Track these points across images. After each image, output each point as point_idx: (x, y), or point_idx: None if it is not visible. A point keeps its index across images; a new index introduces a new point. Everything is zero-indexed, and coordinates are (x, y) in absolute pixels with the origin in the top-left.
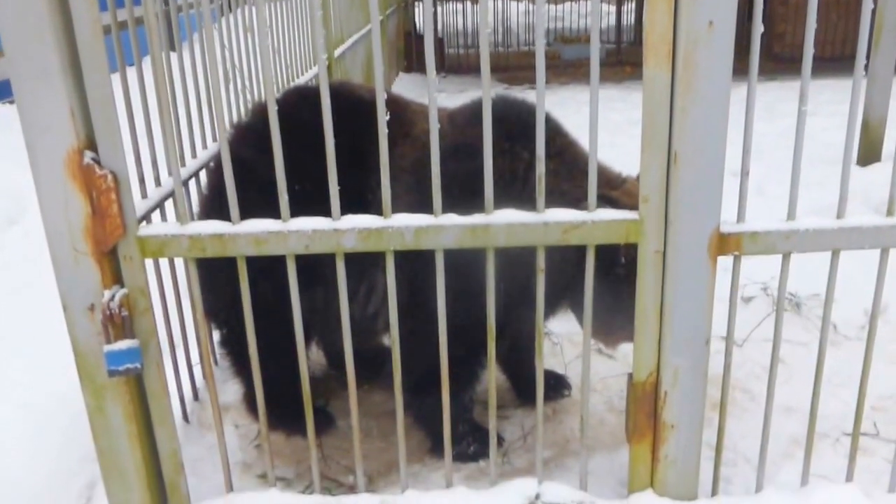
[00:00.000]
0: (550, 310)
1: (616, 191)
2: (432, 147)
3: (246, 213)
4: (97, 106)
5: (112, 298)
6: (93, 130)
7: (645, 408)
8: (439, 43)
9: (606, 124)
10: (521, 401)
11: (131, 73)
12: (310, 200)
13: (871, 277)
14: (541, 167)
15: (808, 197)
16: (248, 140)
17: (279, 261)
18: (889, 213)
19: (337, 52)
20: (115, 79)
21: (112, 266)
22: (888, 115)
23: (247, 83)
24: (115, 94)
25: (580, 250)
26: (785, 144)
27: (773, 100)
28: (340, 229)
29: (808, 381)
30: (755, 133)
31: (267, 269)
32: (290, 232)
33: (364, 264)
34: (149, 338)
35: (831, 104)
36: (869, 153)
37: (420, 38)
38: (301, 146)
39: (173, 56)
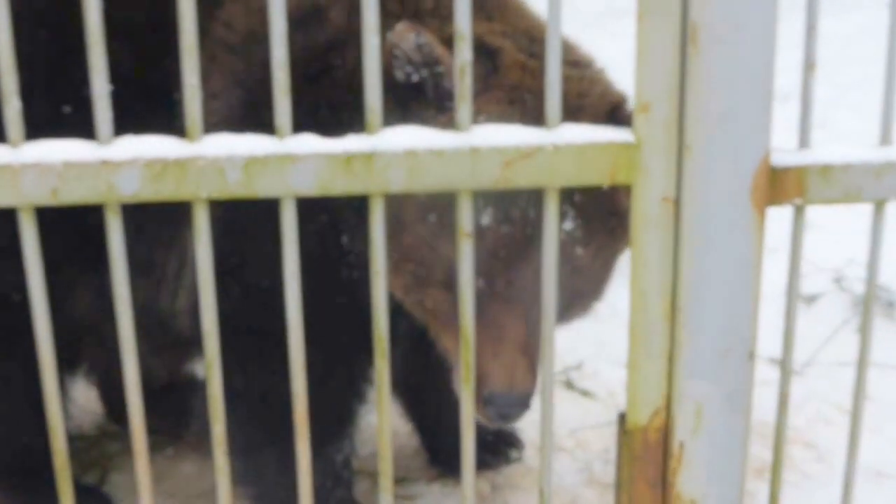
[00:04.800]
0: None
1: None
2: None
3: None
4: None
5: None
6: None
7: (647, 471)
8: None
9: (575, 16)
10: (437, 468)
11: None
12: (86, 122)
13: None
14: (465, 52)
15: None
16: None
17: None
18: None
19: None
20: None
21: None
22: None
23: None
24: None
25: None
26: (861, 54)
27: None
28: (112, 161)
29: None
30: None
31: (4, 252)
32: (23, 166)
33: (175, 220)
34: None
35: None
36: None
37: None
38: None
39: None
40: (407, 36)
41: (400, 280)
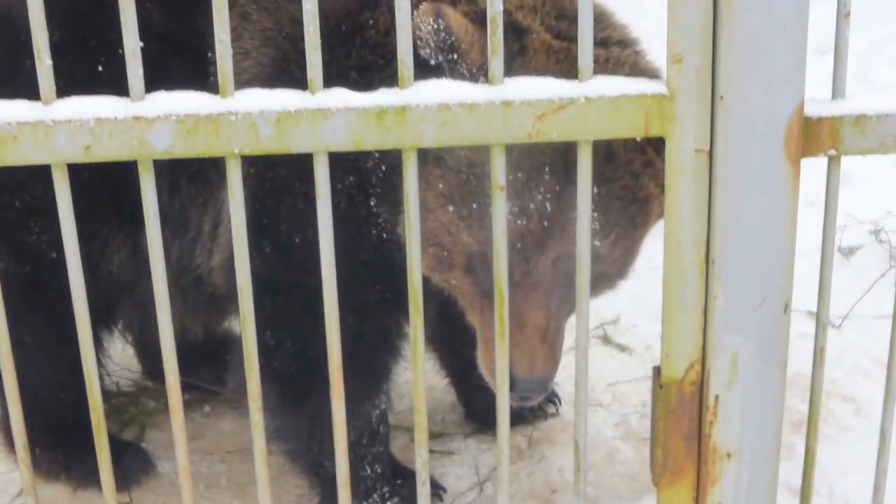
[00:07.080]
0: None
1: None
2: None
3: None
4: None
5: None
6: None
7: (682, 424)
8: None
9: None
10: (472, 423)
11: None
12: (117, 82)
13: None
14: (497, 5)
15: None
16: None
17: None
18: None
19: None
20: None
21: None
22: None
23: None
24: None
25: None
26: None
27: None
28: (145, 117)
29: None
30: None
31: (40, 210)
32: (56, 122)
33: (210, 181)
34: None
35: None
36: None
37: None
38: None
39: None
40: (426, 19)
41: (424, 261)
